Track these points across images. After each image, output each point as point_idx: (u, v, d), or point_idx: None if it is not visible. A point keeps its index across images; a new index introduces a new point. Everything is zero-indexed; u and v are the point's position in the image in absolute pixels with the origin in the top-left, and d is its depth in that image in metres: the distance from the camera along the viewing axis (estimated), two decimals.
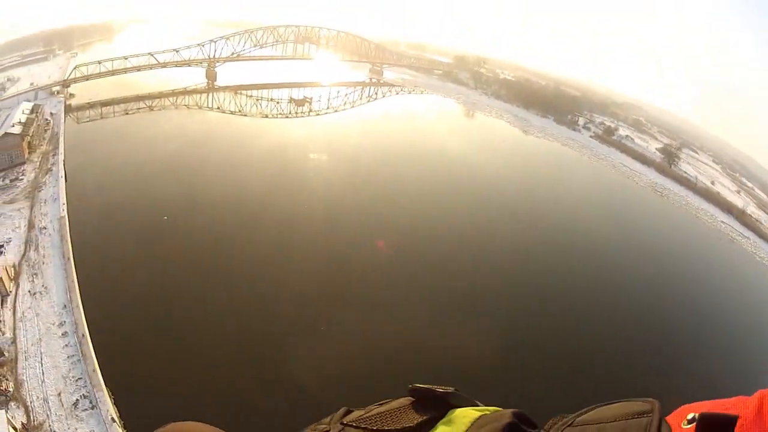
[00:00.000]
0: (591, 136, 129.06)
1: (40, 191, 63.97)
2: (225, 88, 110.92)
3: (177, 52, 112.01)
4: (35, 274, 41.51)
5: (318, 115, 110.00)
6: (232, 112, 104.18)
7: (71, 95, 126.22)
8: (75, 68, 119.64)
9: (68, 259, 42.36)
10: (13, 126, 79.28)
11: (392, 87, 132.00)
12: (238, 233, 50.50)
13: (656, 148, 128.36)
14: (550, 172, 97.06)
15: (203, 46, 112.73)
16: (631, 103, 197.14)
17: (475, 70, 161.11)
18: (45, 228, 50.97)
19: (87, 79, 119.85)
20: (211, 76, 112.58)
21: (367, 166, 76.34)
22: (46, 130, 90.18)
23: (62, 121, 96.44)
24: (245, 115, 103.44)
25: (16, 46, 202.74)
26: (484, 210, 66.84)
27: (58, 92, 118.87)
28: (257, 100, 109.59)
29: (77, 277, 38.82)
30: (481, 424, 1.31)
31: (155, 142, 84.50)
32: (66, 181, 70.12)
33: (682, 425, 1.06)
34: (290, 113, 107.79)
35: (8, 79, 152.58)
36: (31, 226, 52.33)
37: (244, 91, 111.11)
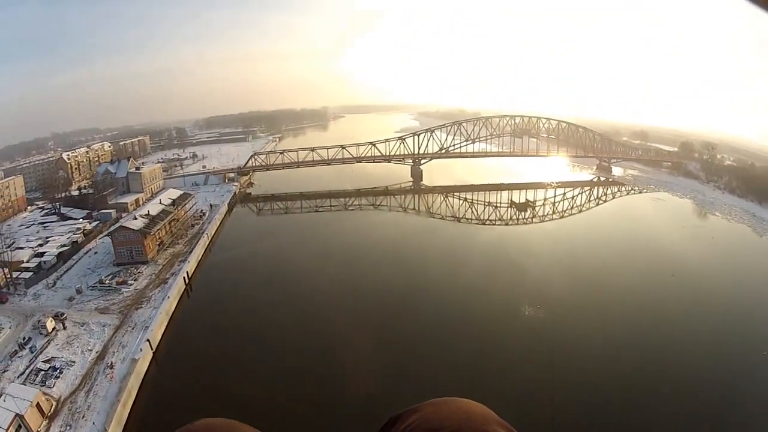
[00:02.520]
0: None
1: (138, 308, 50.73)
2: (433, 189, 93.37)
3: (374, 145, 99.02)
4: (69, 425, 33.28)
5: (542, 221, 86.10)
6: (441, 217, 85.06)
7: (251, 184, 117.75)
8: (252, 156, 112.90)
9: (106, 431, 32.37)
10: (135, 219, 69.00)
11: (621, 186, 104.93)
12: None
13: None
14: None
15: (404, 140, 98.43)
16: None
17: (704, 159, 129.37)
18: (112, 366, 39.68)
19: (267, 169, 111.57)
20: (416, 174, 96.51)
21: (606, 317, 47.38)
22: (193, 225, 79.95)
23: (218, 215, 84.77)
24: (458, 221, 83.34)
25: (217, 122, 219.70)
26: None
27: (230, 180, 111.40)
28: (471, 203, 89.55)
29: None
30: None
31: (339, 252, 67.41)
32: (188, 296, 56.55)
33: None
34: (510, 219, 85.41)
35: (193, 155, 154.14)
36: (102, 354, 42.23)
37: (456, 193, 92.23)
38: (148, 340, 42.79)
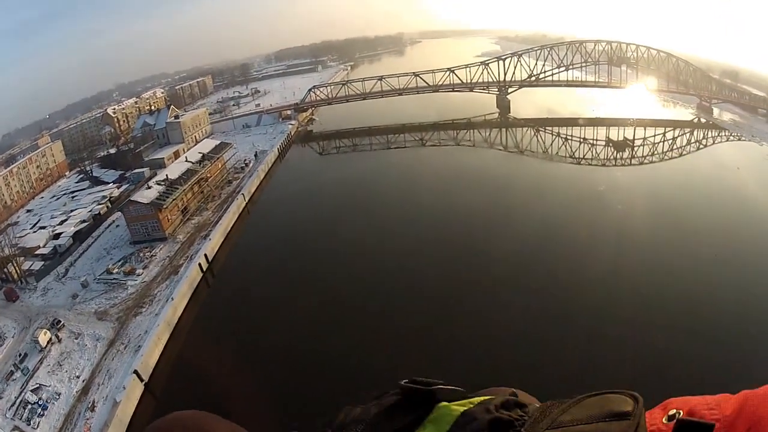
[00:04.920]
0: None
1: (140, 312, 39.73)
2: (523, 122, 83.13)
3: (452, 71, 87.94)
4: None
5: (641, 164, 76.38)
6: (531, 154, 75.72)
7: (311, 121, 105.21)
8: (311, 90, 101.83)
9: None
10: (149, 187, 56.74)
11: (722, 131, 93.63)
12: None
13: None
14: None
15: (488, 65, 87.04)
16: None
17: None
18: (93, 408, 30.29)
19: (329, 103, 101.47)
20: (502, 105, 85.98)
21: None
22: (230, 181, 68.86)
23: (263, 166, 72.59)
24: (550, 160, 73.99)
25: (287, 55, 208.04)
26: None
27: (286, 118, 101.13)
28: (565, 139, 79.57)
29: None
30: (463, 422, 1.22)
31: (409, 205, 54.82)
32: (208, 285, 43.97)
33: (663, 420, 1.02)
34: (607, 159, 75.87)
35: (254, 92, 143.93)
36: (88, 385, 32.68)
37: (548, 127, 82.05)
38: (135, 372, 31.94)
